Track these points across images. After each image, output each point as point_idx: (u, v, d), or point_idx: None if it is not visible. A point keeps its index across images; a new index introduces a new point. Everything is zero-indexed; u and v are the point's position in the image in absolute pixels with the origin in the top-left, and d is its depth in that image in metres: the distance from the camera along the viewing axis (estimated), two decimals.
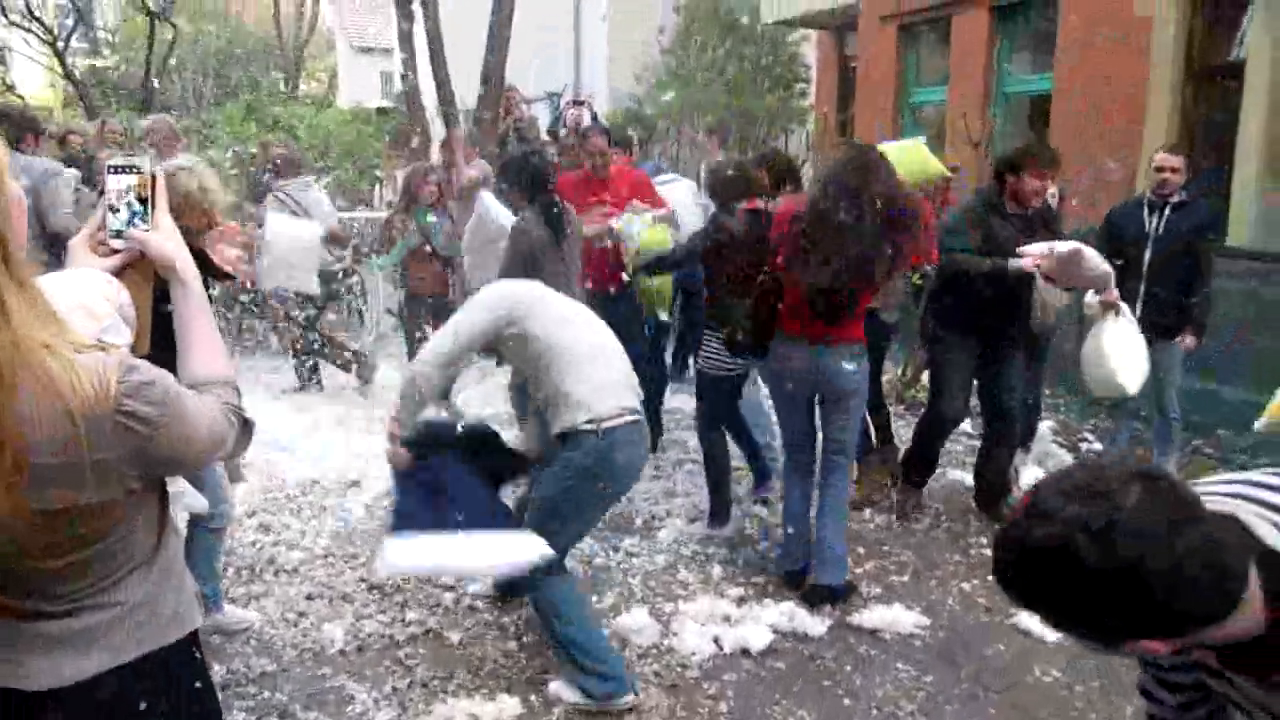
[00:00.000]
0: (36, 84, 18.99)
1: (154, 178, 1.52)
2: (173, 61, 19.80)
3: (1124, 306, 4.40)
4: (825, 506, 3.81)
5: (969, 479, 4.90)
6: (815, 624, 3.60)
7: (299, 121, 15.53)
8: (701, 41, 15.29)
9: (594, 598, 3.75)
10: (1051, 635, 3.58)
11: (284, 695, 3.14)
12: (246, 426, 1.47)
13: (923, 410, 4.94)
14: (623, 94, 16.80)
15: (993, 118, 8.68)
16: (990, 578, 3.95)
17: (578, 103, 8.74)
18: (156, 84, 9.43)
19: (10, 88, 10.32)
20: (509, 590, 3.59)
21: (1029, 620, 3.66)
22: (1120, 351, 4.33)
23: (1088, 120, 7.53)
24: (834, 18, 11.55)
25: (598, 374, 3.00)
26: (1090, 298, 4.42)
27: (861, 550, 4.28)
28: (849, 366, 3.68)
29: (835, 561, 3.76)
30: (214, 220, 3.13)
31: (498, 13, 10.35)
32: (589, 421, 2.93)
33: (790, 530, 3.89)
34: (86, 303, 1.42)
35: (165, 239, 1.50)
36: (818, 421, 3.86)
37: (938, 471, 5.16)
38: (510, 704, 3.07)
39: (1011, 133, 8.72)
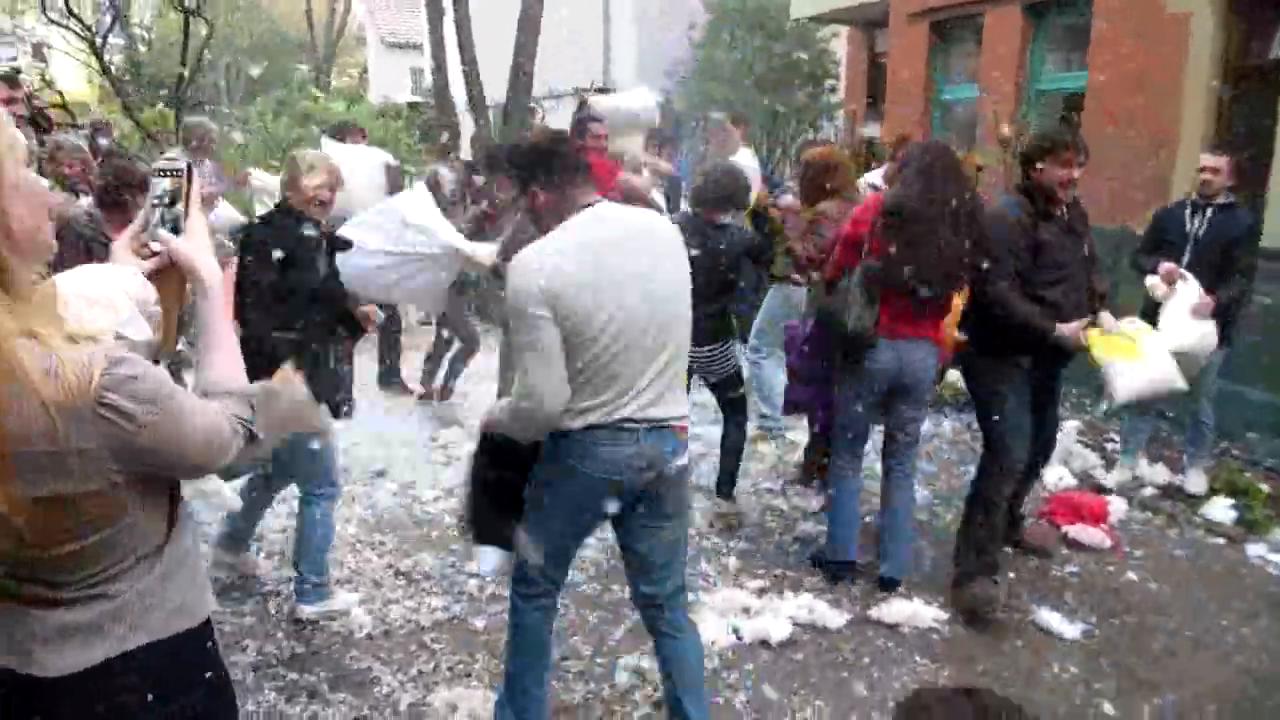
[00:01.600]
0: (74, 80, 19.34)
1: (188, 180, 1.55)
2: (208, 57, 20.06)
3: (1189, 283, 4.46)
4: (900, 500, 3.92)
5: None
6: (834, 616, 3.63)
7: (330, 116, 15.70)
8: (732, 37, 15.28)
9: (614, 588, 3.80)
10: (1070, 632, 3.60)
11: (313, 677, 3.22)
12: (254, 440, 1.45)
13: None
14: (653, 91, 16.87)
15: (1023, 118, 8.61)
16: (1010, 574, 4.00)
17: (600, 90, 8.82)
18: (189, 79, 9.54)
19: (49, 83, 10.49)
20: None
21: (1047, 617, 3.68)
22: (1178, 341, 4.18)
23: (1122, 119, 7.47)
24: (864, 13, 11.51)
25: None
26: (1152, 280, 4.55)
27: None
28: (931, 360, 3.79)
29: (906, 553, 3.96)
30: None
31: (526, 7, 10.41)
32: None
33: (842, 522, 3.95)
34: (107, 296, 1.45)
35: (188, 242, 1.53)
36: None
37: (960, 469, 5.17)
38: None
39: (1044, 131, 8.62)
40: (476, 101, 10.80)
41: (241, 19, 27.32)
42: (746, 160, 6.63)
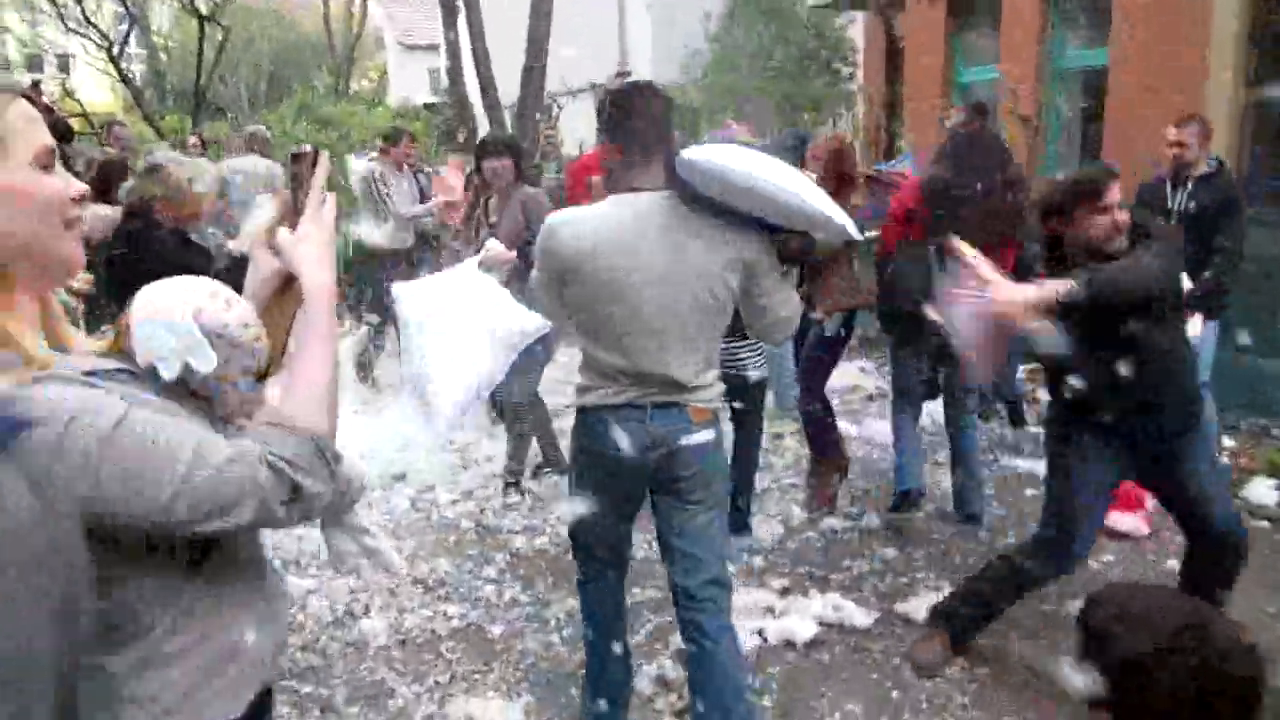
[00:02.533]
0: (97, 91, 19.54)
1: (311, 167, 1.40)
2: (226, 64, 20.19)
3: None
4: (968, 445, 4.31)
5: (1034, 468, 4.72)
6: (862, 615, 3.52)
7: (350, 119, 15.75)
8: (747, 28, 15.15)
9: (635, 590, 3.71)
10: None
11: (327, 690, 3.16)
12: (297, 495, 1.20)
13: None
14: (665, 84, 16.77)
15: (1045, 98, 8.41)
16: None
17: (621, 74, 8.74)
18: (205, 85, 9.56)
19: (69, 94, 10.57)
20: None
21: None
22: None
23: (1145, 95, 7.26)
24: None
25: None
26: None
27: (912, 539, 4.18)
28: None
29: (981, 496, 4.35)
30: (199, 213, 3.30)
31: (537, 5, 10.35)
32: None
33: (909, 452, 4.25)
34: (164, 314, 1.30)
35: (296, 242, 1.35)
36: None
37: (991, 459, 5.04)
38: (550, 698, 3.06)
39: (1065, 109, 8.48)
40: (490, 100, 10.76)
41: (260, 25, 27.48)
42: None
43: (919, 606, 3.55)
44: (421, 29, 27.67)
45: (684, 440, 2.43)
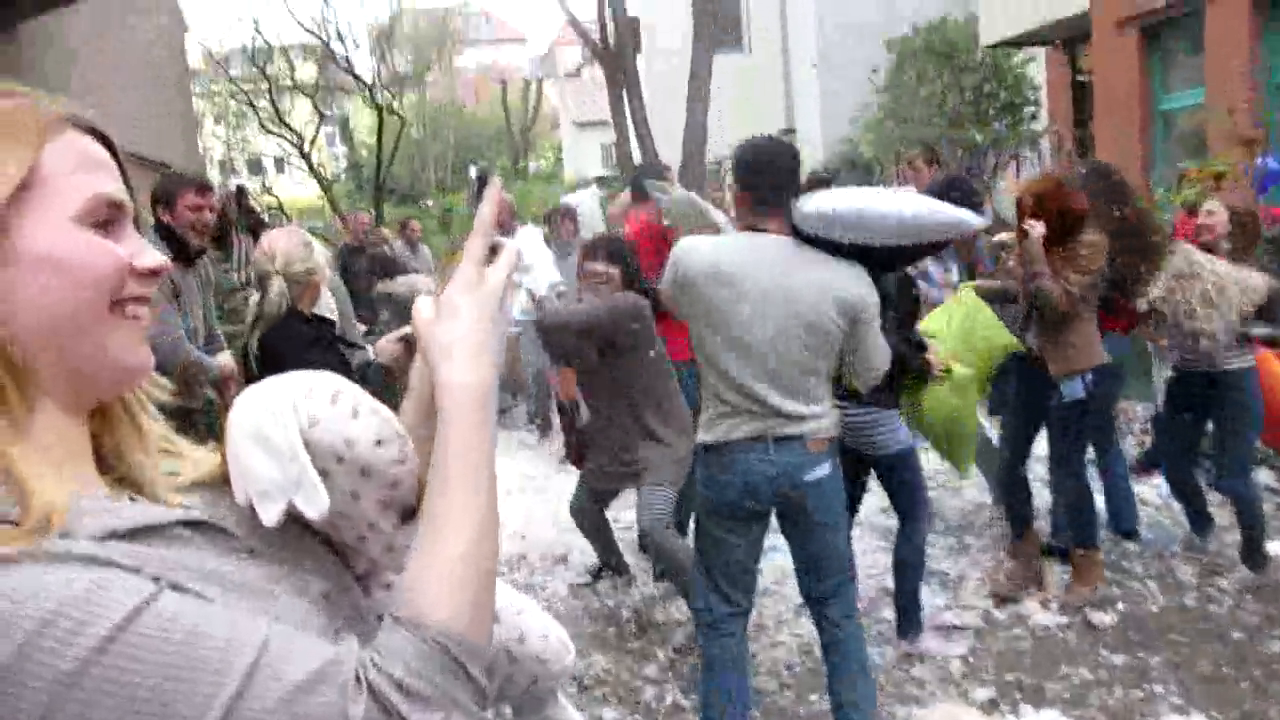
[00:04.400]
0: (301, 189, 21.13)
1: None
2: (411, 152, 21.47)
3: None
4: (1115, 464, 4.38)
5: None
6: None
7: (526, 198, 16.28)
8: (917, 76, 14.63)
9: (811, 697, 3.28)
10: None
11: None
12: None
13: None
14: (835, 139, 16.35)
15: (1266, 119, 7.49)
16: None
17: (786, 132, 8.58)
18: (386, 174, 10.03)
19: (268, 189, 11.39)
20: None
21: None
22: None
23: None
24: (1062, 30, 10.62)
25: None
26: None
27: (1146, 640, 3.53)
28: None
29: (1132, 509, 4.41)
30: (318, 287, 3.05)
31: (696, 67, 10.33)
32: None
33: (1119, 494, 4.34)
34: (263, 429, 0.90)
35: (434, 319, 0.88)
36: None
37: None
38: None
39: None
40: (654, 173, 10.80)
41: (443, 117, 29.21)
42: None
43: None
44: (593, 106, 28.62)
45: (806, 476, 2.60)
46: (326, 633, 0.77)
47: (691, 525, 3.67)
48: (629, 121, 12.01)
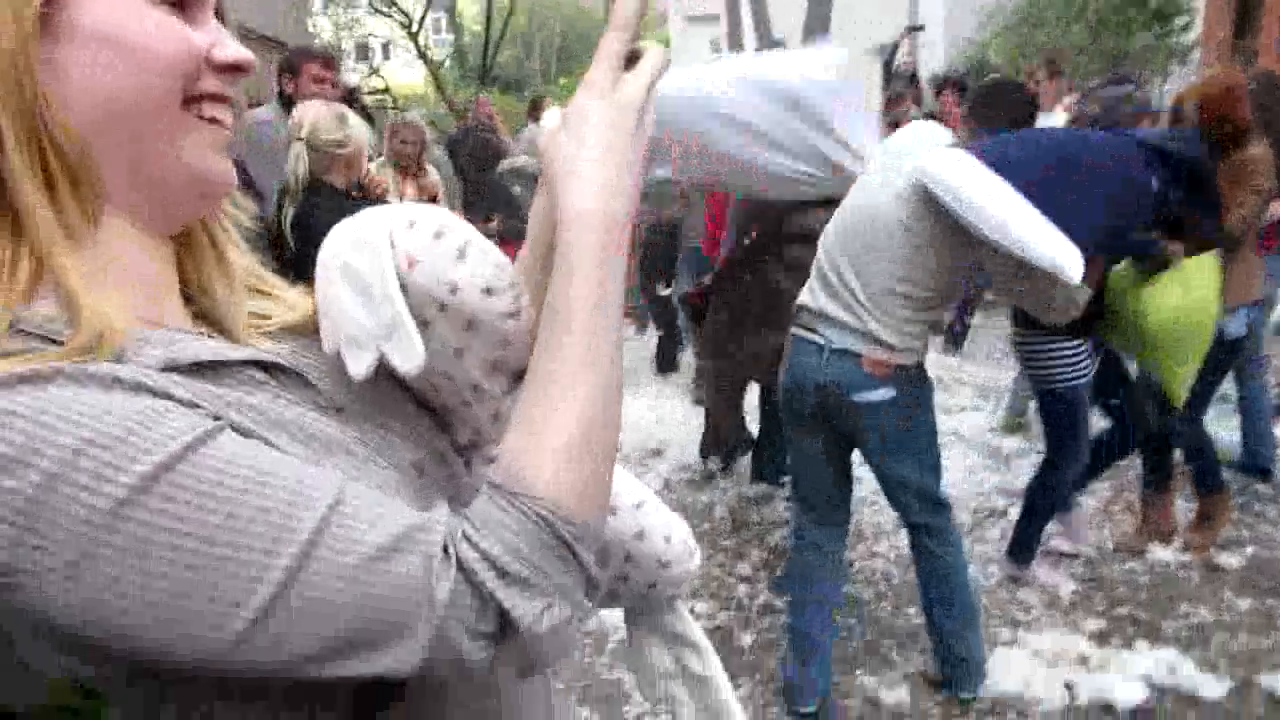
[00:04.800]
0: (408, 74, 21.06)
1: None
2: (518, 40, 21.14)
3: None
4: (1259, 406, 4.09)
5: None
6: (1208, 682, 2.77)
7: None
8: None
9: (910, 609, 3.18)
10: None
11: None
12: (508, 627, 0.62)
13: None
14: (961, 40, 15.40)
15: None
16: None
17: (913, 29, 8.00)
18: (493, 61, 9.85)
19: (375, 70, 11.32)
20: None
21: None
22: None
23: None
24: None
25: None
26: None
27: (1271, 586, 3.30)
28: None
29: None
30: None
31: None
32: None
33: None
34: (355, 267, 0.76)
35: (561, 134, 0.73)
36: None
37: None
38: None
39: None
40: None
41: (554, 3, 28.64)
42: (1060, 123, 5.41)
43: None
44: (704, 1, 27.59)
45: (856, 396, 2.51)
46: (415, 506, 0.66)
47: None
48: (744, 15, 11.49)
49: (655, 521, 1.29)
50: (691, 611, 3.12)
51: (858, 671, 2.89)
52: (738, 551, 3.65)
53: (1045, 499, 3.27)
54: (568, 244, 0.69)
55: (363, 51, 28.67)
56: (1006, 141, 2.52)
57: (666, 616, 1.36)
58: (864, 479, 3.93)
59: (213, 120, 0.69)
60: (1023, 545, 3.35)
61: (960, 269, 2.51)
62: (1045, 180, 2.30)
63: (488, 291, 0.77)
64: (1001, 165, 2.31)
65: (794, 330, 2.62)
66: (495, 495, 0.65)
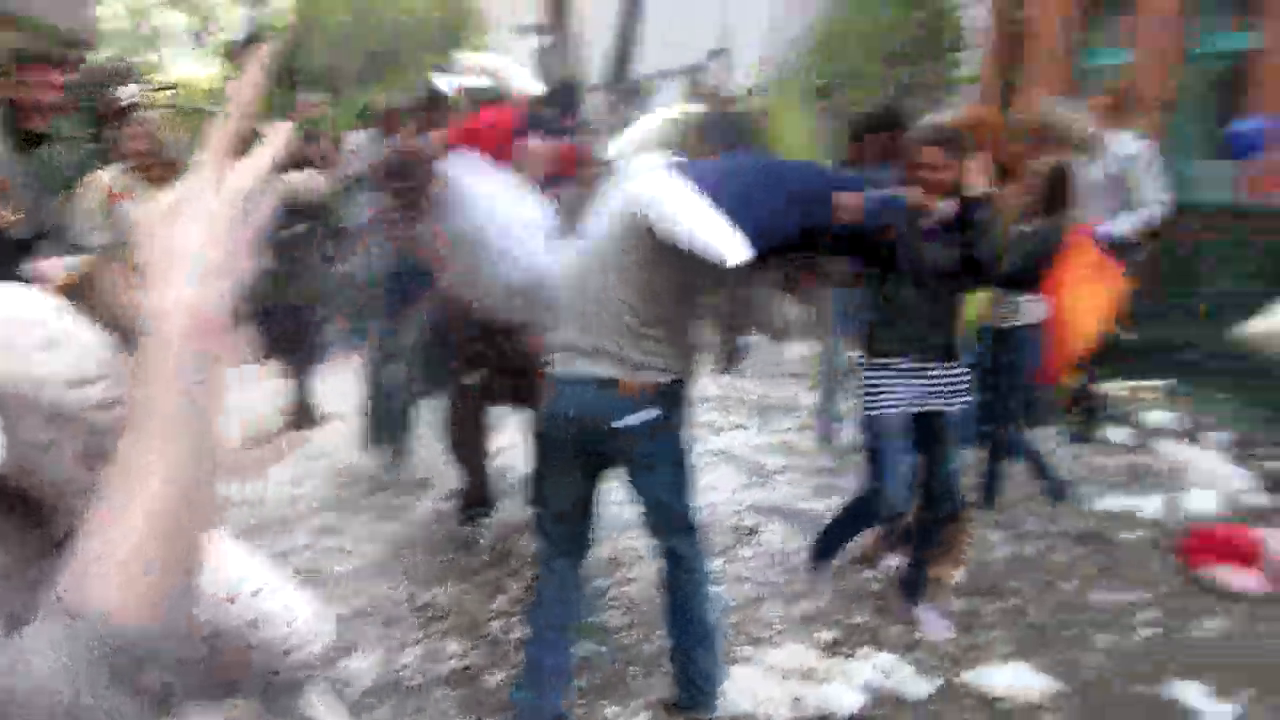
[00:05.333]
0: (203, 67, 19.85)
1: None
2: (328, 39, 20.37)
3: None
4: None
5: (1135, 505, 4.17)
6: (920, 684, 3.01)
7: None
8: (860, 7, 14.46)
9: (659, 632, 3.28)
10: (1217, 713, 2.87)
11: None
12: None
13: None
14: (772, 66, 16.11)
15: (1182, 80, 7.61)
16: (1145, 633, 3.28)
17: (715, 53, 8.35)
18: (292, 57, 9.46)
19: (160, 65, 10.64)
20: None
21: (1186, 690, 2.96)
22: None
23: None
24: None
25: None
26: None
27: (980, 588, 3.63)
28: None
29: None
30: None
31: None
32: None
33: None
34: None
35: (159, 219, 0.72)
36: None
37: (1074, 494, 4.42)
38: None
39: (1202, 97, 7.68)
40: (578, 81, 10.45)
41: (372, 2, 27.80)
42: None
43: (987, 680, 3.01)
44: (526, 12, 27.54)
45: (621, 420, 2.58)
46: None
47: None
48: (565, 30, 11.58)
49: (275, 607, 1.27)
50: (441, 651, 3.11)
51: (602, 702, 2.95)
52: (496, 585, 3.65)
53: (844, 513, 3.48)
54: (151, 342, 0.67)
55: (153, 41, 26.91)
56: (710, 161, 2.85)
57: (297, 702, 1.35)
58: (624, 505, 4.05)
59: None
60: (823, 550, 3.56)
61: (687, 287, 2.64)
62: (730, 190, 2.54)
63: (77, 383, 0.74)
64: (697, 178, 2.56)
65: (551, 369, 2.67)
66: (54, 614, 0.61)
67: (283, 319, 5.04)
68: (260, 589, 1.23)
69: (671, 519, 2.71)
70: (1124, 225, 4.83)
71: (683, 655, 2.80)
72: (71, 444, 0.76)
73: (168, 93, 10.48)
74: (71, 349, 0.75)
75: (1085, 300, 4.41)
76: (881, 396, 3.16)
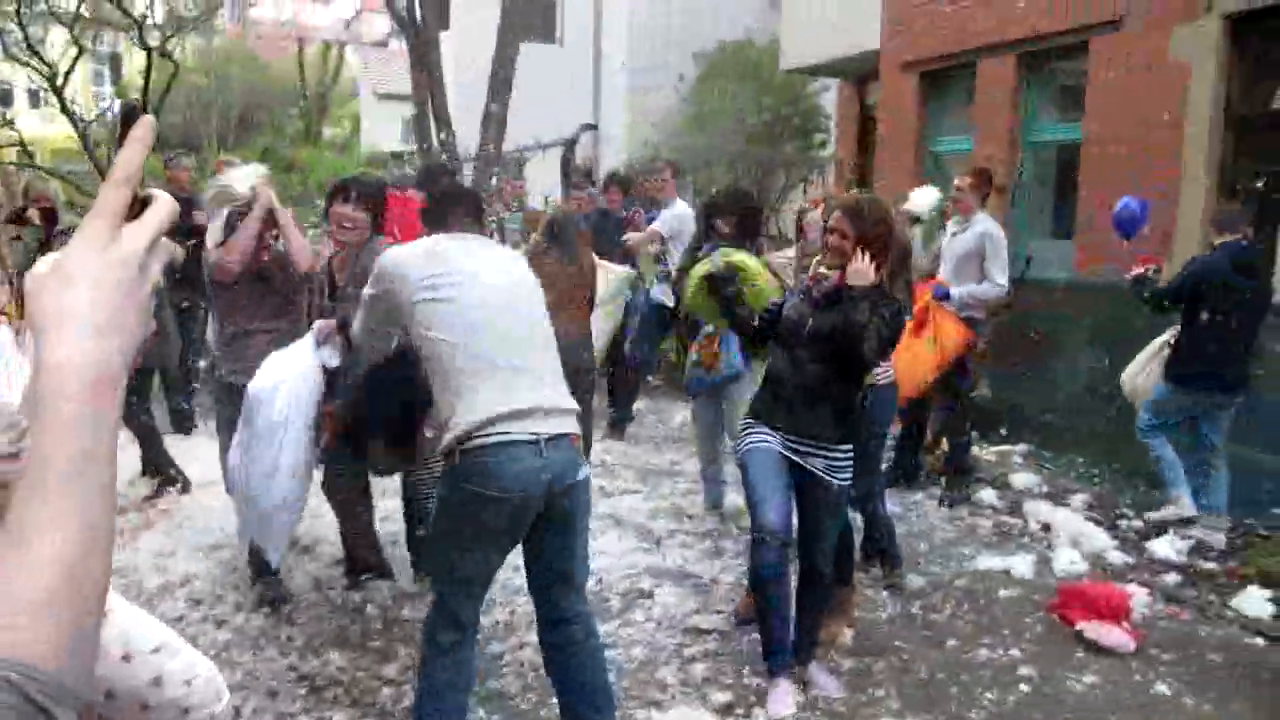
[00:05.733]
0: (53, 126, 18.98)
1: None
2: (191, 103, 19.78)
3: None
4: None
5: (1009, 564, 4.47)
6: None
7: (318, 165, 15.39)
8: (721, 90, 15.12)
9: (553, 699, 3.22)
10: None
11: None
12: None
13: None
14: (638, 140, 16.59)
15: (1020, 167, 8.28)
16: (1025, 689, 3.38)
17: (589, 127, 8.60)
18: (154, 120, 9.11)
19: (9, 123, 10.09)
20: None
21: None
22: None
23: (1121, 171, 7.06)
24: (854, 65, 11.25)
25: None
26: None
27: (872, 647, 3.73)
28: None
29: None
30: None
31: (500, 58, 10.13)
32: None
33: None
34: None
35: (43, 288, 0.72)
36: None
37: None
38: None
39: (1039, 182, 8.38)
40: (451, 150, 10.46)
41: (233, 67, 27.24)
42: (683, 209, 6.35)
43: None
44: (395, 78, 27.52)
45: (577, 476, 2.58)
46: None
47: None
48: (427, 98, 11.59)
49: (175, 666, 1.22)
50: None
51: None
52: (385, 652, 3.52)
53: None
54: (46, 393, 0.68)
55: (3, 98, 25.47)
56: None
57: None
58: (518, 565, 3.98)
59: None
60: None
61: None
62: None
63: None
64: None
65: (497, 437, 2.46)
66: None
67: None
68: (161, 646, 1.18)
69: (580, 581, 2.70)
70: (962, 292, 5.23)
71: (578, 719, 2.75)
72: None
73: (16, 150, 9.95)
74: None
75: (914, 348, 4.85)
76: (748, 441, 3.29)
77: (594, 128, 10.37)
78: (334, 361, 3.06)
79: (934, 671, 3.53)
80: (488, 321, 2.58)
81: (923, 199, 6.11)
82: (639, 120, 16.96)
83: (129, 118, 0.77)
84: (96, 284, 0.71)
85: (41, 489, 0.66)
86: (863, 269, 3.13)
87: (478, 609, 2.70)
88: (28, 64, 9.88)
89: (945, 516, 5.22)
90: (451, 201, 2.92)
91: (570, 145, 11.21)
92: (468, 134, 11.17)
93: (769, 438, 3.25)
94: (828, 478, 3.21)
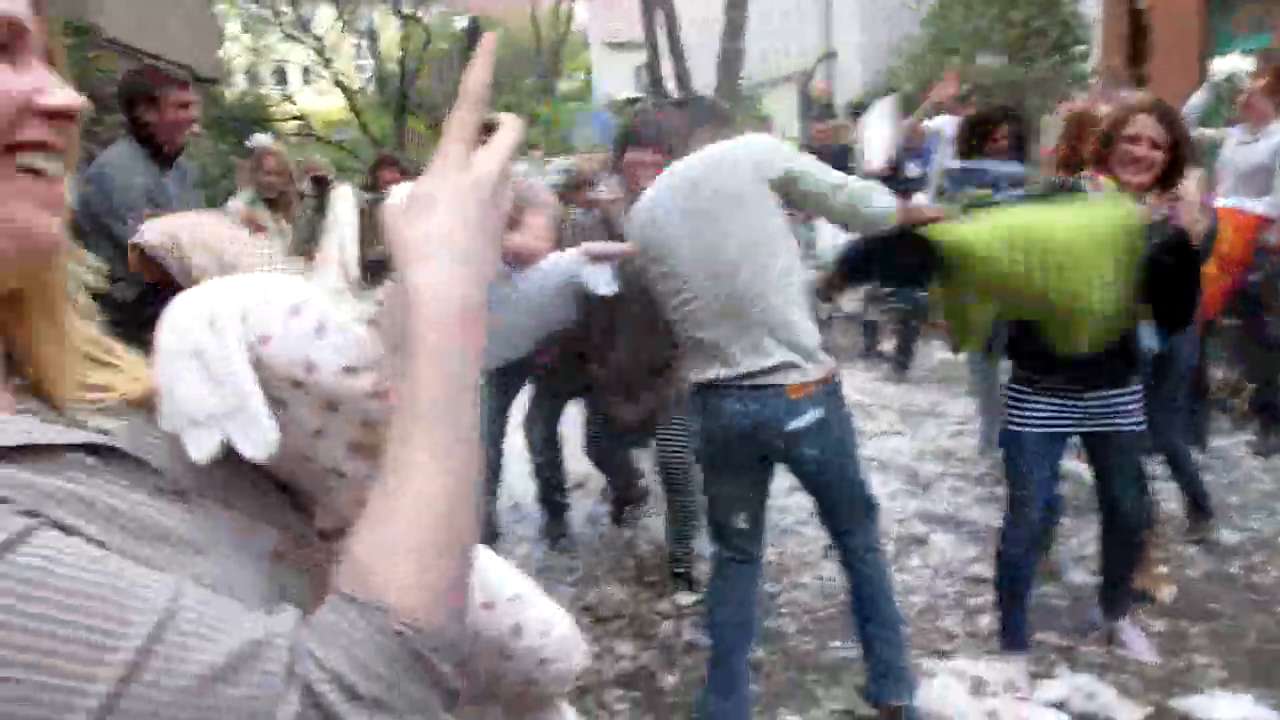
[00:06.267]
0: (325, 99, 20.68)
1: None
2: (434, 65, 20.96)
3: None
4: None
5: None
6: (1124, 709, 2.79)
7: (557, 117, 15.85)
8: (966, 6, 14.09)
9: (834, 642, 3.15)
10: None
11: None
12: None
13: None
14: (874, 69, 15.82)
15: None
16: None
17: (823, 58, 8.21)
18: (406, 84, 9.72)
19: (288, 98, 11.07)
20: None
21: None
22: None
23: None
24: None
25: None
26: None
27: (1189, 608, 3.37)
28: None
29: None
30: None
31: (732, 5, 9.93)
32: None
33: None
34: (198, 343, 0.72)
35: (410, 209, 0.70)
36: None
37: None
38: None
39: None
40: (687, 92, 10.43)
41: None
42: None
43: (1205, 708, 2.77)
44: (625, 27, 27.80)
45: (789, 425, 2.48)
46: (270, 602, 0.61)
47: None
48: (661, 44, 11.58)
49: (533, 615, 1.16)
50: (612, 652, 3.07)
51: (780, 709, 2.85)
52: (664, 588, 3.59)
53: (1001, 552, 3.00)
54: (418, 328, 0.65)
55: (280, 76, 28.06)
56: None
57: (549, 716, 1.24)
58: (789, 508, 3.94)
59: (35, 170, 0.63)
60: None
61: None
62: None
63: (348, 370, 0.73)
64: None
65: (723, 387, 2.48)
66: (342, 605, 0.59)
67: None
68: (519, 595, 1.14)
69: (853, 505, 2.63)
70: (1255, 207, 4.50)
71: (872, 641, 2.65)
72: (342, 431, 0.75)
73: (296, 123, 10.91)
74: (340, 336, 0.75)
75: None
76: (1026, 413, 2.85)
77: (834, 55, 9.93)
78: (607, 289, 2.76)
79: (1264, 640, 3.14)
80: None
81: (1225, 64, 5.30)
82: (874, 46, 16.17)
83: (473, 35, 0.73)
84: (456, 209, 0.68)
85: (414, 428, 0.64)
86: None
87: (746, 541, 2.66)
88: (301, 41, 10.74)
89: (1261, 466, 4.63)
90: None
91: (808, 79, 10.83)
92: (701, 76, 11.08)
93: (1040, 406, 2.84)
94: (1120, 421, 2.87)
